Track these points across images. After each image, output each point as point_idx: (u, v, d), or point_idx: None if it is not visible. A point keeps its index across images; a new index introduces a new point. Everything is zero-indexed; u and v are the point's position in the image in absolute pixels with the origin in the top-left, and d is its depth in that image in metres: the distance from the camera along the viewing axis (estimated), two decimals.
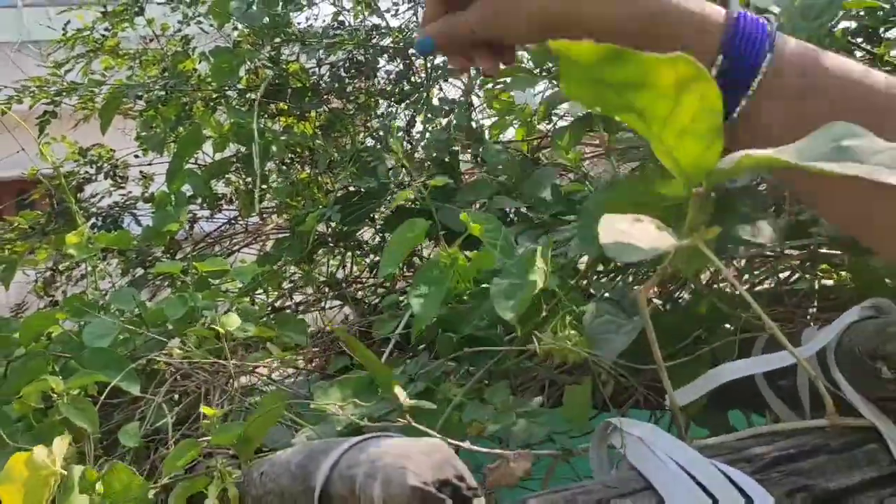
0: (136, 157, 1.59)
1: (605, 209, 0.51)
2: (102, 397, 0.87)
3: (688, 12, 0.51)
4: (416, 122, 1.53)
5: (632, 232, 0.39)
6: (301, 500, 0.44)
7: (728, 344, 0.59)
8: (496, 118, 1.51)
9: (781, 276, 0.75)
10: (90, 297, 1.03)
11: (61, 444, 0.68)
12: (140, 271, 1.45)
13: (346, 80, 1.53)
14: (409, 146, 1.46)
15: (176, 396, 0.96)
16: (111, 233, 1.25)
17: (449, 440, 0.47)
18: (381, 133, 1.43)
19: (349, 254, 1.47)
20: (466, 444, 0.50)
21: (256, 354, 0.95)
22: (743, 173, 0.38)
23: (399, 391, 0.54)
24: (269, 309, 1.53)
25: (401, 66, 1.56)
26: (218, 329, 0.86)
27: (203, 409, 0.68)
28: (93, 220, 1.62)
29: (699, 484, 0.43)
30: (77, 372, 0.86)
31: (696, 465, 0.44)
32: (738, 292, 0.51)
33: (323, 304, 1.45)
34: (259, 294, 1.51)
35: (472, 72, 1.44)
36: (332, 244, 1.43)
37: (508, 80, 1.20)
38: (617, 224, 0.39)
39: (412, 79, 1.54)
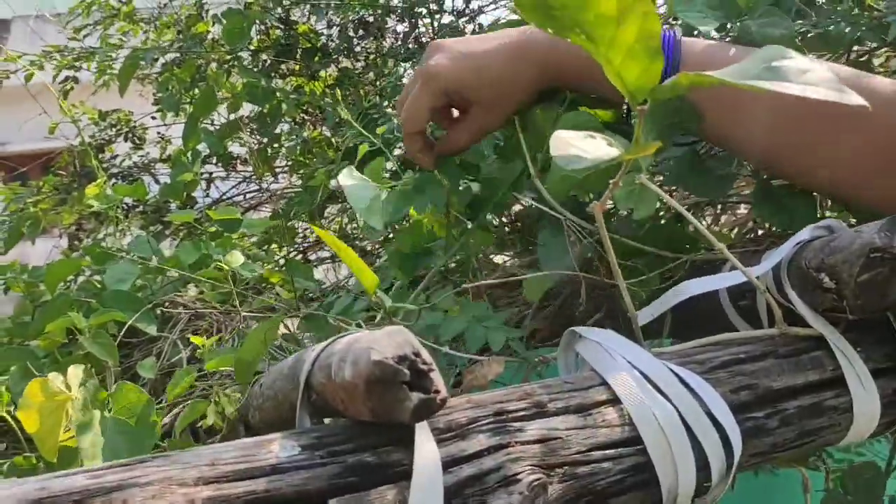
0: (153, 118, 1.64)
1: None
2: (121, 335, 0.93)
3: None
4: None
5: (581, 145, 0.43)
6: (292, 397, 0.49)
7: (689, 272, 0.63)
8: None
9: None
10: (111, 246, 1.09)
11: (76, 371, 0.73)
12: (159, 228, 1.51)
13: (355, 41, 1.57)
14: None
15: (190, 335, 1.01)
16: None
17: (426, 342, 0.51)
18: (388, 91, 1.47)
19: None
20: (445, 349, 0.55)
21: (264, 298, 1.00)
22: (682, 90, 0.42)
23: (381, 294, 0.58)
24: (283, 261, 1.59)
25: (407, 27, 1.59)
26: (225, 268, 0.91)
27: (192, 338, 0.73)
28: (113, 180, 1.69)
29: (649, 381, 0.47)
30: (98, 311, 0.92)
31: (648, 365, 0.48)
32: (691, 225, 0.55)
33: (335, 259, 1.50)
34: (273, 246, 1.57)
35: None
36: (342, 199, 1.48)
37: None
38: (568, 138, 0.43)
39: (420, 39, 1.57)
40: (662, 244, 0.62)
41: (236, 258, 0.92)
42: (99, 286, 1.08)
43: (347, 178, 0.72)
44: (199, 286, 1.04)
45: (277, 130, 1.56)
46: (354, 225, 1.53)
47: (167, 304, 1.02)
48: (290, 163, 1.70)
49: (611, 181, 0.49)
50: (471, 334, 0.59)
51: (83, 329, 0.88)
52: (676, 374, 0.48)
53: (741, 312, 0.62)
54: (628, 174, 0.57)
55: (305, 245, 1.61)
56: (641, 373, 0.48)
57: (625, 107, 0.66)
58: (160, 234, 1.43)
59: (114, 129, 1.61)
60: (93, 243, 1.07)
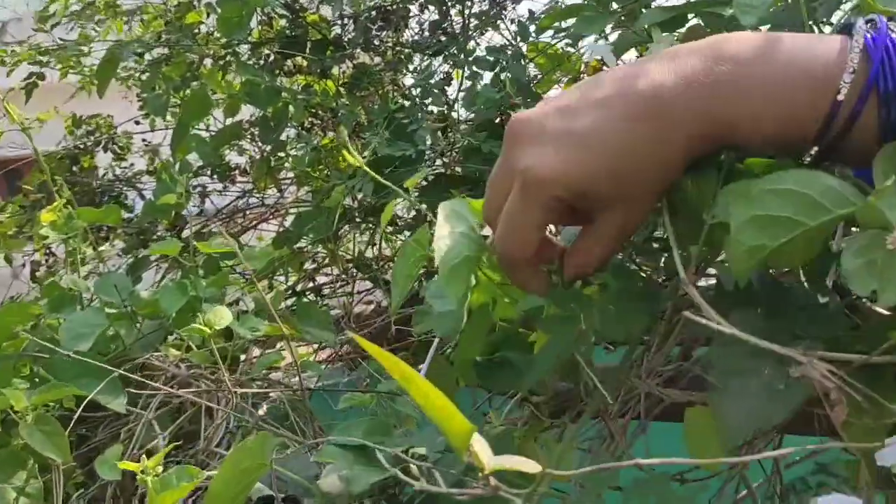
0: (138, 123, 1.40)
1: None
2: (80, 410, 0.70)
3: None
4: (451, 77, 1.33)
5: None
6: None
7: None
8: (540, 75, 1.31)
9: None
10: (72, 286, 0.86)
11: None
12: (143, 253, 1.27)
13: (373, 32, 1.33)
14: (447, 106, 1.27)
15: (174, 409, 0.78)
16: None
17: None
18: (415, 91, 1.23)
19: (380, 230, 1.28)
20: None
21: (265, 359, 0.77)
22: None
23: (481, 447, 0.34)
24: (290, 293, 1.36)
25: (435, 15, 1.35)
26: (207, 330, 0.68)
27: (123, 465, 0.49)
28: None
29: None
30: (45, 384, 0.69)
31: None
32: None
33: (350, 287, 1.27)
34: (279, 276, 1.34)
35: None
36: (359, 219, 1.24)
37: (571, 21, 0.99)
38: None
39: (448, 29, 1.34)
40: None
41: (220, 316, 0.68)
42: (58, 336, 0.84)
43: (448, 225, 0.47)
44: (187, 340, 0.81)
45: (283, 137, 1.33)
46: (377, 249, 1.29)
47: (143, 366, 0.79)
48: (296, 175, 1.47)
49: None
50: None
51: (23, 412, 0.65)
52: None
53: None
54: (865, 234, 0.33)
55: (313, 269, 1.38)
56: None
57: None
58: (143, 262, 1.20)
59: (92, 138, 1.37)
60: (49, 282, 0.83)
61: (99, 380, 0.71)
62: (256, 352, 1.01)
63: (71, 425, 0.68)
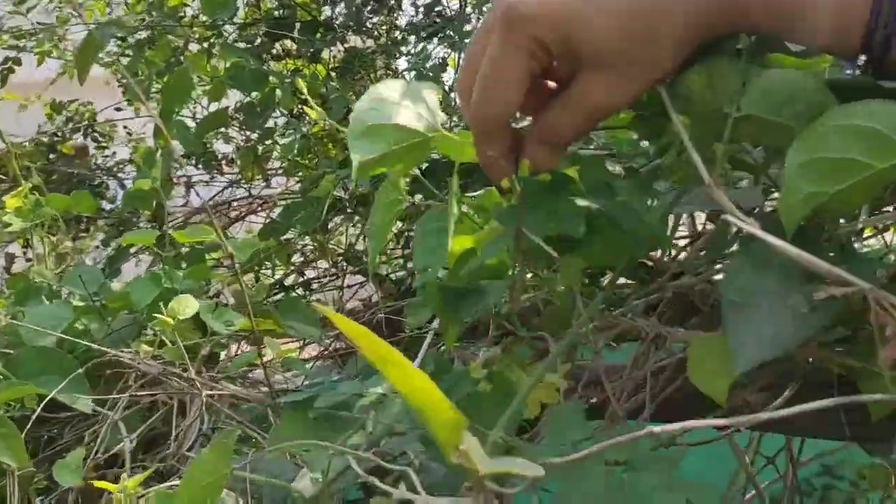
0: (119, 109, 1.34)
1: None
2: (39, 410, 0.64)
3: None
4: (447, 63, 1.27)
5: None
6: None
7: None
8: None
9: None
10: (38, 277, 0.80)
11: None
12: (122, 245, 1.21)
13: (366, 14, 1.27)
14: (443, 91, 1.21)
15: (145, 409, 0.73)
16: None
17: None
18: (409, 75, 1.18)
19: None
20: None
21: (242, 357, 0.71)
22: None
23: (472, 445, 0.29)
24: (277, 287, 1.30)
25: None
26: (169, 321, 0.62)
27: (98, 483, 0.44)
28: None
29: None
30: (3, 382, 0.63)
31: None
32: None
33: (340, 281, 1.21)
34: (265, 269, 1.28)
35: None
36: (350, 210, 1.18)
37: None
38: None
39: (444, 11, 1.28)
40: None
41: (185, 305, 0.62)
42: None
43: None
44: (160, 336, 0.75)
45: (270, 124, 1.27)
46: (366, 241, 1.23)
47: (112, 363, 0.73)
48: (284, 164, 1.41)
49: None
50: None
51: None
52: None
53: None
54: None
55: (301, 263, 1.32)
56: None
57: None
58: (122, 254, 1.14)
59: (70, 125, 1.31)
60: (17, 274, 0.77)
61: (63, 377, 0.65)
62: (244, 348, 0.96)
63: (28, 426, 0.63)
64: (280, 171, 1.46)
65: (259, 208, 1.43)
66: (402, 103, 0.48)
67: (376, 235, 0.52)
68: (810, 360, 0.59)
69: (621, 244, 0.40)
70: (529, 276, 0.51)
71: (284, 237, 1.20)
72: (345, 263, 1.17)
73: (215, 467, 0.39)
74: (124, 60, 1.36)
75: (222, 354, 0.85)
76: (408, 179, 0.50)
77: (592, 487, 0.36)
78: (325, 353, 1.19)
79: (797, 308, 0.32)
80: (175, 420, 0.67)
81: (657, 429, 0.29)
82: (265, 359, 0.77)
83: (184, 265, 1.07)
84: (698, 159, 0.36)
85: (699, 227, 0.64)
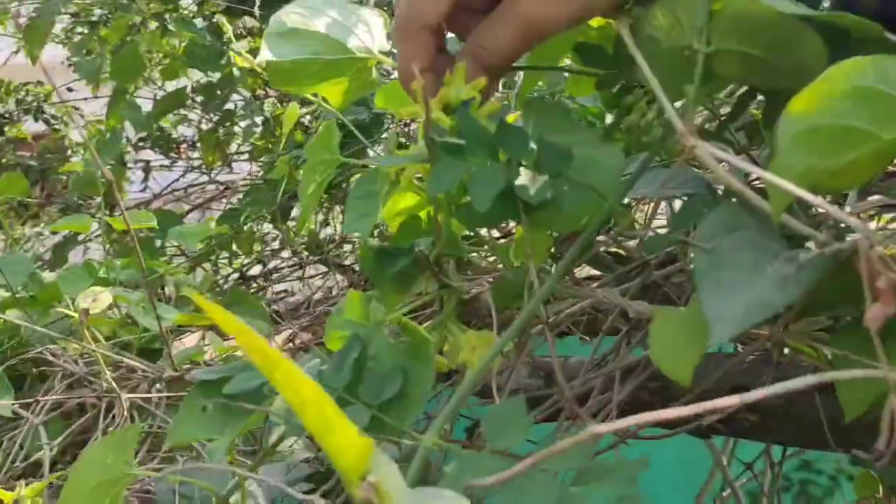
0: (70, 90, 1.27)
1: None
2: None
3: None
4: None
5: None
6: None
7: None
8: None
9: None
10: None
11: None
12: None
13: None
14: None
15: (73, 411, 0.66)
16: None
17: None
18: None
19: (336, 208, 1.16)
20: None
21: (184, 353, 0.65)
22: None
23: (384, 476, 0.23)
24: (238, 278, 1.24)
25: None
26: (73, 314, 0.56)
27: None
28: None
29: None
30: None
31: None
32: None
33: (303, 271, 1.15)
34: (222, 258, 1.22)
35: None
36: None
37: None
38: None
39: None
40: None
41: (93, 298, 0.56)
42: None
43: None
44: (93, 331, 0.69)
45: (231, 106, 1.21)
46: (333, 230, 1.17)
47: (39, 361, 0.67)
48: (249, 148, 1.34)
49: None
50: None
51: None
52: None
53: None
54: None
55: (267, 253, 1.25)
56: None
57: None
58: (70, 242, 1.07)
59: (19, 105, 1.24)
60: None
61: None
62: (191, 341, 0.89)
63: None
64: (244, 156, 1.39)
65: (222, 195, 1.37)
66: (337, 18, 0.42)
67: (305, 200, 0.45)
68: (785, 350, 0.53)
69: (585, 207, 0.34)
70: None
71: (245, 224, 1.14)
72: (306, 253, 1.11)
73: (108, 466, 0.33)
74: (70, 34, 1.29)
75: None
76: (341, 135, 0.44)
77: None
78: (294, 346, 1.13)
79: (780, 271, 0.28)
80: (101, 424, 0.61)
81: (602, 428, 0.23)
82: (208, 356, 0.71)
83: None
84: (668, 105, 0.30)
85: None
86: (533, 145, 0.28)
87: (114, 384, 0.55)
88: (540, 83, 0.45)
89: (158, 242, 1.00)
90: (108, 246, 0.75)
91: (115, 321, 0.64)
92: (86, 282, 0.70)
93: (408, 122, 0.98)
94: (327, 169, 0.40)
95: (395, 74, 0.38)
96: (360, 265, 0.42)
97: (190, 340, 0.86)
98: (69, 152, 1.34)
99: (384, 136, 0.83)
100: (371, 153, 0.73)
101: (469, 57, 0.33)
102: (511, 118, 0.32)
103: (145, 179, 1.36)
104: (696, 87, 0.32)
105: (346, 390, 0.36)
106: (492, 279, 0.55)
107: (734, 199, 0.34)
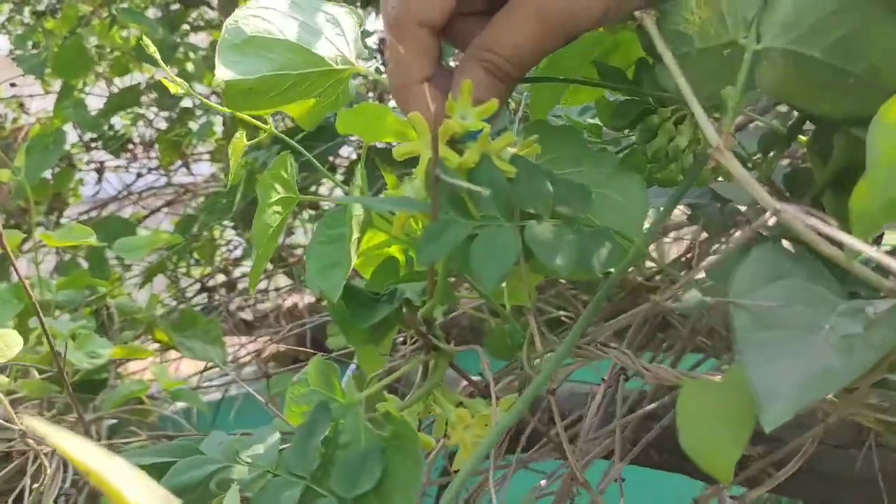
0: (13, 85, 1.18)
1: None
2: None
3: None
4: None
5: None
6: None
7: None
8: None
9: None
10: None
11: None
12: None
13: None
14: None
15: None
16: None
17: None
18: None
19: (301, 215, 1.08)
20: None
21: (122, 390, 0.57)
22: None
23: None
24: (199, 288, 1.16)
25: None
26: None
27: None
28: None
29: None
30: None
31: None
32: None
33: (267, 284, 1.07)
34: (181, 268, 1.13)
35: None
36: None
37: None
38: None
39: None
40: None
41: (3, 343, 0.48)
42: None
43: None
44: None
45: (187, 104, 1.12)
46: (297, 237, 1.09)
47: None
48: (211, 149, 1.26)
49: None
50: None
51: None
52: None
53: None
54: None
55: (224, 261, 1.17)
56: None
57: None
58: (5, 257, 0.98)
59: None
60: None
61: None
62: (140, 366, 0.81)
63: None
64: (205, 157, 1.31)
65: (180, 199, 1.28)
66: (303, 19, 0.34)
67: (260, 249, 0.38)
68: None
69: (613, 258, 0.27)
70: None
71: (203, 232, 1.06)
72: (269, 264, 1.03)
73: None
74: (20, 31, 1.19)
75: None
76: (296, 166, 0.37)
77: None
78: (262, 358, 1.05)
79: (842, 328, 0.22)
80: (28, 477, 0.53)
81: None
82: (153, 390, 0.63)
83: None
84: (702, 114, 0.24)
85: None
86: (549, 186, 0.21)
87: (30, 438, 0.47)
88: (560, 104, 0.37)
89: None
90: (38, 264, 0.66)
91: (42, 357, 0.56)
92: (14, 308, 0.61)
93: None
94: (285, 210, 0.33)
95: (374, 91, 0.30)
96: (330, 313, 0.34)
97: (137, 365, 0.78)
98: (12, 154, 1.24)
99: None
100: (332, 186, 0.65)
101: (475, 66, 0.25)
102: (521, 150, 0.25)
103: (99, 181, 1.27)
104: (739, 90, 0.25)
105: (313, 480, 0.29)
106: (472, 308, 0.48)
107: (766, 235, 0.27)
